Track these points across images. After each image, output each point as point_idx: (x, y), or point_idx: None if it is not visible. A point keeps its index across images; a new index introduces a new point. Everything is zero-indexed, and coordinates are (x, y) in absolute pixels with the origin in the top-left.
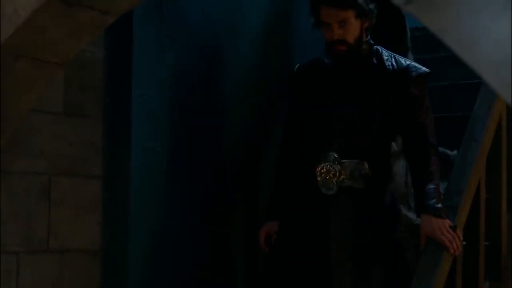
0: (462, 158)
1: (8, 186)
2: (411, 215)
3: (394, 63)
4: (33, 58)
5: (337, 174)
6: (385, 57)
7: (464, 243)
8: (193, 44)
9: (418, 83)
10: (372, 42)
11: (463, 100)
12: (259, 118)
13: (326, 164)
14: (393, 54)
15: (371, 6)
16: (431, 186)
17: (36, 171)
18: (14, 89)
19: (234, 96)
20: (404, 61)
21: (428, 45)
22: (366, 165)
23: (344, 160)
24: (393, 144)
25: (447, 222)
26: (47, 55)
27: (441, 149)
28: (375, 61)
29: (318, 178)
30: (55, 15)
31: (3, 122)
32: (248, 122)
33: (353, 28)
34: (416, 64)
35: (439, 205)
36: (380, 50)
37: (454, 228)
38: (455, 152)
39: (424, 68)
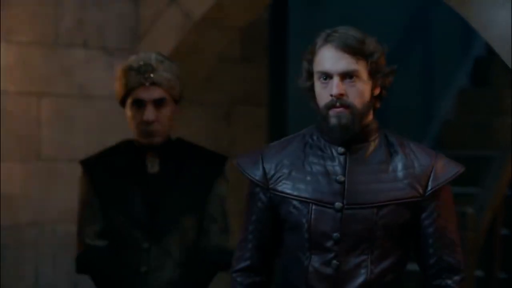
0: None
1: (199, 114)
2: None
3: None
4: (221, 24)
5: None
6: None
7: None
8: (337, 7)
9: None
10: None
11: None
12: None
13: None
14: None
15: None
16: None
17: (219, 101)
18: (205, 46)
19: None
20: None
21: None
22: None
23: None
24: None
25: None
26: (229, 22)
27: None
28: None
29: None
30: None
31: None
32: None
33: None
34: None
35: None
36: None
37: None
38: None
39: None
